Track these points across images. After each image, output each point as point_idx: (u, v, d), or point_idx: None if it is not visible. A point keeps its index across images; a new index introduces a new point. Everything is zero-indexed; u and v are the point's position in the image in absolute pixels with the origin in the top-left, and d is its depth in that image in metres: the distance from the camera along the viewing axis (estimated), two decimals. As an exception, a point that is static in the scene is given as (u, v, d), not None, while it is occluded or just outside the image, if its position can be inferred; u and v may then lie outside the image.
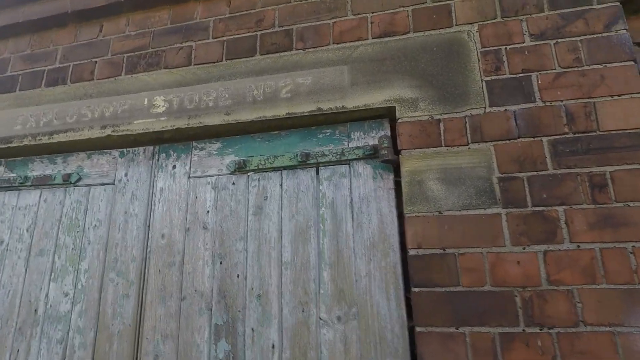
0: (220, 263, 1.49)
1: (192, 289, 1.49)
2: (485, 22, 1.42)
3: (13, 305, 1.68)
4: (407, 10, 1.52)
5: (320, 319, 1.34)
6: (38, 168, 1.88)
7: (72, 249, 1.69)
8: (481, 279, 1.18)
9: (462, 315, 1.17)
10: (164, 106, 1.67)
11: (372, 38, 1.52)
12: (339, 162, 1.48)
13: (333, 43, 1.56)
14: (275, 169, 1.54)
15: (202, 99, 1.63)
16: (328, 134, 1.53)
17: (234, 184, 1.57)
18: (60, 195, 1.79)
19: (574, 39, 1.33)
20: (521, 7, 1.41)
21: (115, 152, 1.79)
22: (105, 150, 1.81)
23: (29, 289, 1.68)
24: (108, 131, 1.71)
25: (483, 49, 1.39)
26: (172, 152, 1.70)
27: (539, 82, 1.31)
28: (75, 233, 1.71)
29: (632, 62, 1.26)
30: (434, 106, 1.38)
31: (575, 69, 1.30)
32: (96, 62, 1.87)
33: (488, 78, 1.36)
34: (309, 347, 1.32)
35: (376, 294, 1.32)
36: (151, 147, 1.74)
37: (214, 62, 1.68)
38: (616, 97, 1.24)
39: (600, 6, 1.35)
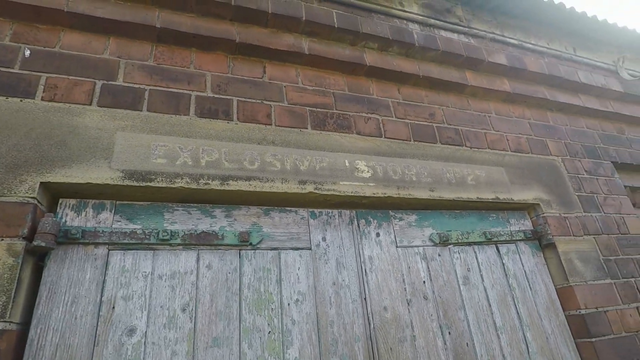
0: (449, 333, 1.54)
1: (430, 364, 1.46)
2: (565, 157, 2.25)
3: None
4: (525, 137, 2.20)
5: (536, 375, 1.61)
6: (183, 220, 1.37)
7: (269, 332, 1.30)
8: (619, 328, 1.79)
9: (620, 355, 1.72)
10: (368, 172, 1.66)
11: (511, 151, 2.10)
12: (508, 242, 1.87)
13: (488, 148, 2.04)
14: (469, 244, 1.78)
15: (404, 172, 1.73)
16: (494, 217, 1.92)
17: (439, 255, 1.69)
18: (233, 261, 1.36)
19: (602, 177, 2.31)
20: (575, 153, 2.32)
21: (304, 212, 1.55)
22: (287, 208, 1.54)
23: (203, 401, 1.15)
24: (309, 187, 1.51)
25: (569, 174, 2.19)
26: (371, 219, 1.65)
27: (600, 200, 2.18)
28: (270, 311, 1.33)
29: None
30: (559, 207, 2.03)
31: (607, 195, 2.25)
32: (271, 105, 1.63)
33: (577, 193, 2.14)
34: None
35: (561, 348, 1.71)
36: (347, 212, 1.63)
37: (404, 140, 1.83)
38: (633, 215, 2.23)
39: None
